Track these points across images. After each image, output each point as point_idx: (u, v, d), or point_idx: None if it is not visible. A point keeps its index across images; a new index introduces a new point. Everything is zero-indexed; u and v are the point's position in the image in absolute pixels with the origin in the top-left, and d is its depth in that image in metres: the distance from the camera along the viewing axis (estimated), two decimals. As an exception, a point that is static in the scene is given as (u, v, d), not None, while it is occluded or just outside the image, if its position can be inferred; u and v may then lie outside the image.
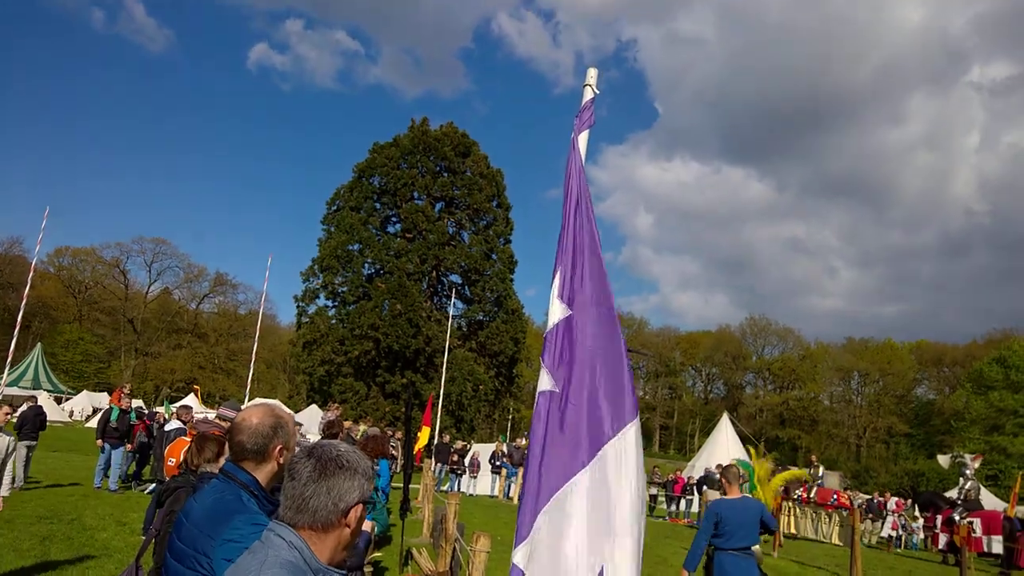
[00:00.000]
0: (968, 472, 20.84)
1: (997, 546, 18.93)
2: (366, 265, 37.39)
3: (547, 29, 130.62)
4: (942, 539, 20.06)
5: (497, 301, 38.32)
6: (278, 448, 2.31)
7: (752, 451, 29.31)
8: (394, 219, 39.07)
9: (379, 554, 7.36)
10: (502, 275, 38.40)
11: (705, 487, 20.46)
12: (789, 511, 18.16)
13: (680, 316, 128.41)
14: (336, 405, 20.25)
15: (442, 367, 31.64)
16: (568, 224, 2.68)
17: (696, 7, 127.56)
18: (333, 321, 36.88)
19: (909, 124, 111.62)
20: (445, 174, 38.66)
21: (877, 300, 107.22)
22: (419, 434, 18.56)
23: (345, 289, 36.85)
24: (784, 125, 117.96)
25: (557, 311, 2.58)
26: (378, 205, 38.61)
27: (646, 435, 75.42)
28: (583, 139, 2.82)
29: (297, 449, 1.91)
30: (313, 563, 1.62)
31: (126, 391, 14.98)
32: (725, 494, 6.51)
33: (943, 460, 24.01)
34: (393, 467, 15.59)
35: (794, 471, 26.78)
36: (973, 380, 56.37)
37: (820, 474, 22.36)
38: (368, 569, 5.74)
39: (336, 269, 36.65)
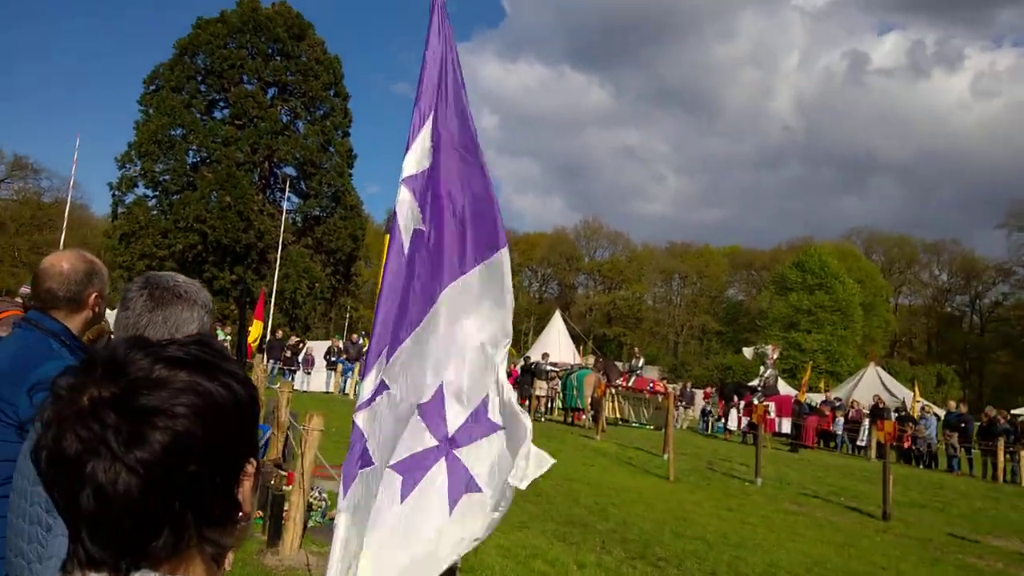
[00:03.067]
0: (768, 361, 23.30)
1: (787, 426, 21.51)
2: (190, 152, 34.36)
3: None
4: (744, 421, 22.45)
5: (335, 196, 36.79)
6: (93, 295, 2.05)
7: (580, 349, 31.08)
8: (221, 103, 35.87)
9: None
10: (340, 169, 36.75)
11: (533, 377, 21.35)
12: (612, 398, 19.44)
13: (520, 218, 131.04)
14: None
15: (275, 263, 30.25)
16: (432, 71, 2.47)
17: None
18: (154, 212, 33.91)
19: (738, 41, 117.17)
20: (278, 58, 35.80)
21: (698, 207, 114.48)
22: (250, 328, 17.78)
23: (167, 178, 33.79)
24: (627, 33, 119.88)
25: (427, 155, 2.40)
26: (203, 87, 35.21)
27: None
28: None
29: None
30: None
31: None
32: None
33: (747, 352, 26.72)
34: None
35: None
36: (776, 282, 62.32)
37: (640, 365, 24.07)
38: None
39: (156, 155, 33.38)
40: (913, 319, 70.00)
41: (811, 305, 56.80)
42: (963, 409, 20.40)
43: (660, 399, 18.92)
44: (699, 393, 29.33)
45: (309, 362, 22.11)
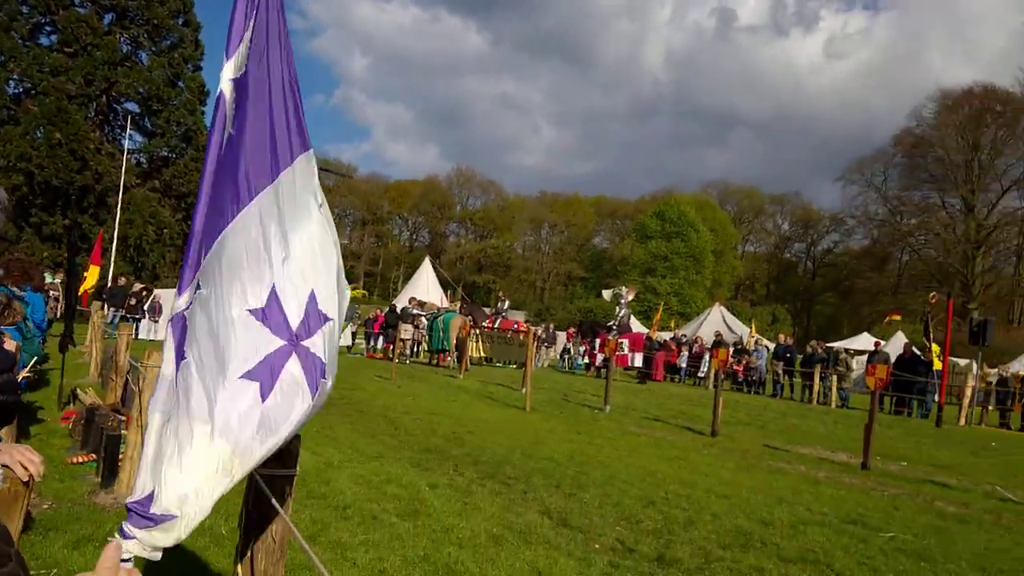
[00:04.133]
0: (623, 302, 24.52)
1: (639, 360, 22.89)
2: (11, 83, 30.77)
3: None
4: (599, 358, 23.65)
5: (185, 136, 34.30)
6: None
7: (448, 294, 31.37)
8: (48, 28, 32.26)
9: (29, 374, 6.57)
10: (191, 106, 34.21)
11: (399, 321, 21.41)
12: (477, 339, 19.89)
13: (392, 165, 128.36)
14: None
15: (116, 207, 28.10)
16: None
17: None
18: (-31, 151, 30.40)
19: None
20: (114, -22, 32.56)
21: (571, 158, 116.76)
22: (86, 274, 16.53)
23: (-17, 112, 30.29)
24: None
25: (245, 59, 2.33)
26: (24, 8, 31.42)
27: (350, 279, 75.28)
28: None
29: None
30: None
31: None
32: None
33: (606, 294, 27.92)
34: (54, 309, 13.87)
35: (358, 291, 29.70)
36: (638, 231, 65.36)
37: (505, 307, 24.68)
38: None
39: (-31, 85, 29.78)
40: (756, 264, 75.62)
41: (668, 252, 60.13)
42: (789, 341, 22.60)
43: (522, 338, 19.56)
44: (562, 335, 30.52)
45: (156, 310, 20.96)
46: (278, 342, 2.21)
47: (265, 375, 2.15)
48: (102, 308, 14.67)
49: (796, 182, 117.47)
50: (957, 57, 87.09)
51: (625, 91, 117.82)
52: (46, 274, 14.57)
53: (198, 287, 2.22)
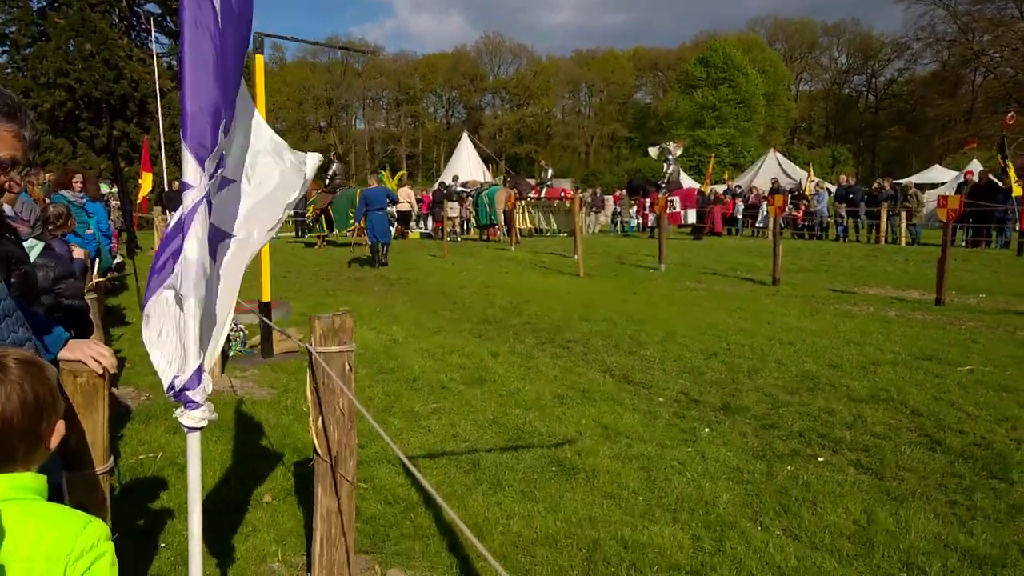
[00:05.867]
0: (670, 157, 23.77)
1: (692, 217, 22.44)
2: (32, -2, 30.58)
3: None
4: (651, 218, 23.27)
5: (210, 31, 33.60)
6: None
7: (490, 168, 30.93)
8: (53, -63, 31.39)
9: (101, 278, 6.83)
10: (210, -1, 33.28)
11: (445, 201, 21.33)
12: (524, 210, 19.73)
13: (418, 40, 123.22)
14: (38, 168, 17.40)
15: (157, 113, 28.09)
16: None
17: None
18: (9, 70, 30.60)
19: None
20: None
21: (602, 10, 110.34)
22: (140, 182, 16.86)
23: (14, 29, 30.16)
24: None
25: None
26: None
27: (392, 163, 75.17)
28: None
29: None
30: None
31: None
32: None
33: (653, 152, 27.12)
34: (118, 219, 14.22)
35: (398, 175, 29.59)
36: (681, 81, 62.10)
37: (549, 176, 24.29)
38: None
39: (-6, 5, 29.67)
40: (813, 104, 71.61)
41: (715, 100, 57.29)
42: (851, 182, 21.62)
43: (569, 205, 19.33)
44: (609, 199, 30.04)
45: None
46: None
47: None
48: (163, 213, 15.01)
49: (851, 8, 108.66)
50: None
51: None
52: (102, 184, 14.87)
53: (219, 166, 2.04)
